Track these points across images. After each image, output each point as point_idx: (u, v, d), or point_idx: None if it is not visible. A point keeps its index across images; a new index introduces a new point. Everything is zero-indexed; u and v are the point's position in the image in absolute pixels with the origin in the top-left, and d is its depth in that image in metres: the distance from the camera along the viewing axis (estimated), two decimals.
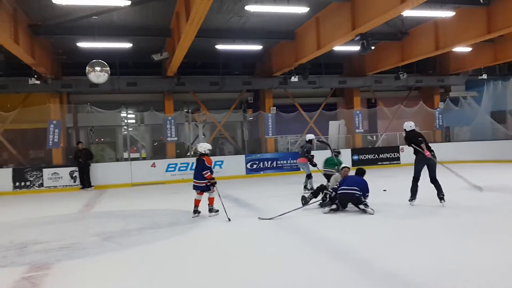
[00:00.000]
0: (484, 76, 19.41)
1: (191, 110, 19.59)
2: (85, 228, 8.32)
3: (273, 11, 11.32)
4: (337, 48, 14.37)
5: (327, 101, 21.01)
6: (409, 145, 8.89)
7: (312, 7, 11.92)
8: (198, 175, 8.55)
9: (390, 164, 19.17)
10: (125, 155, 18.09)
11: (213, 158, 17.08)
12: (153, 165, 16.34)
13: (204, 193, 8.67)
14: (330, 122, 20.25)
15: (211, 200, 8.71)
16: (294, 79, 17.02)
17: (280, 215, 8.20)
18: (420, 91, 22.13)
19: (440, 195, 8.59)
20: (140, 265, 5.53)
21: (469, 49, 17.29)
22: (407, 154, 19.05)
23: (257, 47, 15.52)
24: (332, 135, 19.99)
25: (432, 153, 8.56)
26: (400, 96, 21.92)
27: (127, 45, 14.42)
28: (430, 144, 8.81)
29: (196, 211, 8.67)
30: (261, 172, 17.64)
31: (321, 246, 6.08)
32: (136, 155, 18.43)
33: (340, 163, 10.32)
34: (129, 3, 10.34)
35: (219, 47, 15.01)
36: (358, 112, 20.06)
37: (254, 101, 20.08)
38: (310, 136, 11.97)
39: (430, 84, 20.80)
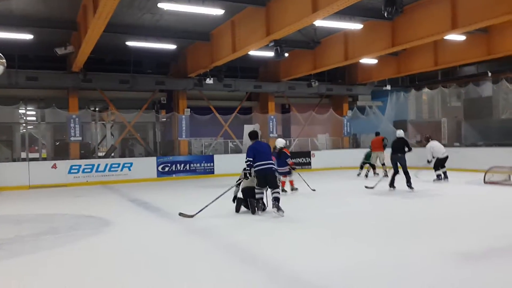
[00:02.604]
0: (388, 87, 20.77)
1: (98, 108, 18.59)
2: None
3: (187, 11, 11.05)
4: (253, 52, 14.47)
5: (242, 105, 21.11)
6: None
7: (227, 9, 11.85)
8: (281, 163, 10.84)
9: (302, 168, 19.66)
10: (23, 155, 16.67)
11: (122, 160, 16.60)
12: (54, 166, 15.18)
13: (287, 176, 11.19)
14: (245, 125, 20.36)
15: (291, 182, 11.39)
16: (209, 81, 16.87)
17: (200, 210, 8.08)
18: (330, 99, 23.07)
19: (408, 184, 11.11)
20: (33, 274, 5.03)
21: (375, 61, 18.35)
22: (318, 159, 19.85)
23: (171, 46, 15.10)
24: (247, 139, 20.08)
25: (400, 154, 11.18)
26: (312, 103, 22.69)
27: (28, 36, 13.26)
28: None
29: (283, 190, 10.90)
30: (173, 175, 17.20)
31: (231, 250, 5.98)
32: (36, 155, 17.05)
33: (370, 157, 15.32)
34: None
35: (130, 43, 14.40)
36: (272, 117, 20.46)
37: (168, 102, 19.55)
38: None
39: (339, 92, 21.79)
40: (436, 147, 13.13)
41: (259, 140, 8.72)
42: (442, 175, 13.18)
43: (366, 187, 11.92)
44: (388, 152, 12.44)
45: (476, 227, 7.07)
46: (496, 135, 17.78)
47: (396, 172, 11.37)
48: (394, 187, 11.34)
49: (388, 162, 12.93)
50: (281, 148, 11.10)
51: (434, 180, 13.05)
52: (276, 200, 8.17)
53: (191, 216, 8.02)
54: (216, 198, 8.44)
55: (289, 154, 11.16)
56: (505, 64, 17.57)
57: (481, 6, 10.87)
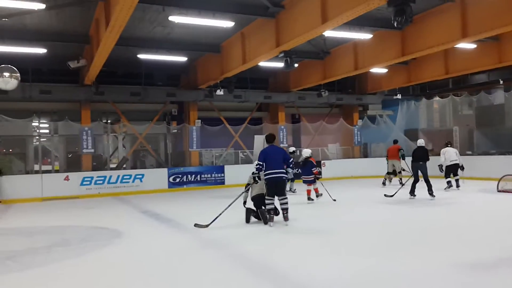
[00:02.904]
0: (399, 96, 20.65)
1: (110, 121, 18.73)
2: None
3: (198, 24, 11.17)
4: (262, 63, 14.53)
5: (253, 115, 21.17)
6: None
7: (237, 21, 11.94)
8: (306, 172, 11.53)
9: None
10: (36, 167, 16.82)
11: (133, 172, 16.68)
12: (67, 178, 15.29)
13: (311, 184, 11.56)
14: (255, 136, 20.33)
15: (316, 190, 11.73)
16: (220, 92, 16.93)
17: (214, 220, 8.17)
18: (340, 108, 23.03)
19: (430, 192, 11.20)
20: (45, 286, 5.09)
21: (385, 70, 18.30)
22: (329, 169, 19.75)
23: (182, 59, 15.25)
24: (257, 149, 20.09)
25: (421, 163, 11.35)
26: (322, 113, 22.65)
27: (41, 50, 13.50)
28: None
29: (309, 198, 11.55)
30: (184, 186, 17.25)
31: (240, 260, 5.99)
32: (49, 167, 17.20)
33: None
34: (43, 6, 9.67)
35: (142, 56, 14.56)
36: (282, 127, 20.46)
37: (178, 113, 19.67)
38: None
39: (349, 102, 21.72)
40: (446, 154, 13.15)
41: (274, 145, 8.67)
42: (454, 183, 13.11)
43: (385, 195, 11.91)
44: (407, 160, 12.56)
45: (487, 236, 7.02)
46: (509, 143, 17.58)
47: (416, 180, 11.49)
48: (414, 195, 11.41)
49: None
50: (307, 157, 11.75)
51: (445, 189, 12.94)
52: (285, 211, 8.19)
53: (206, 226, 8.08)
54: (228, 206, 8.49)
55: (315, 163, 11.75)
56: None
57: (491, 15, 10.80)
